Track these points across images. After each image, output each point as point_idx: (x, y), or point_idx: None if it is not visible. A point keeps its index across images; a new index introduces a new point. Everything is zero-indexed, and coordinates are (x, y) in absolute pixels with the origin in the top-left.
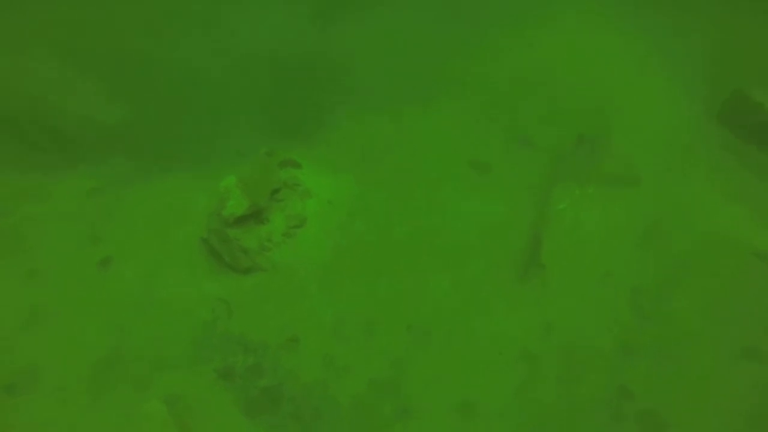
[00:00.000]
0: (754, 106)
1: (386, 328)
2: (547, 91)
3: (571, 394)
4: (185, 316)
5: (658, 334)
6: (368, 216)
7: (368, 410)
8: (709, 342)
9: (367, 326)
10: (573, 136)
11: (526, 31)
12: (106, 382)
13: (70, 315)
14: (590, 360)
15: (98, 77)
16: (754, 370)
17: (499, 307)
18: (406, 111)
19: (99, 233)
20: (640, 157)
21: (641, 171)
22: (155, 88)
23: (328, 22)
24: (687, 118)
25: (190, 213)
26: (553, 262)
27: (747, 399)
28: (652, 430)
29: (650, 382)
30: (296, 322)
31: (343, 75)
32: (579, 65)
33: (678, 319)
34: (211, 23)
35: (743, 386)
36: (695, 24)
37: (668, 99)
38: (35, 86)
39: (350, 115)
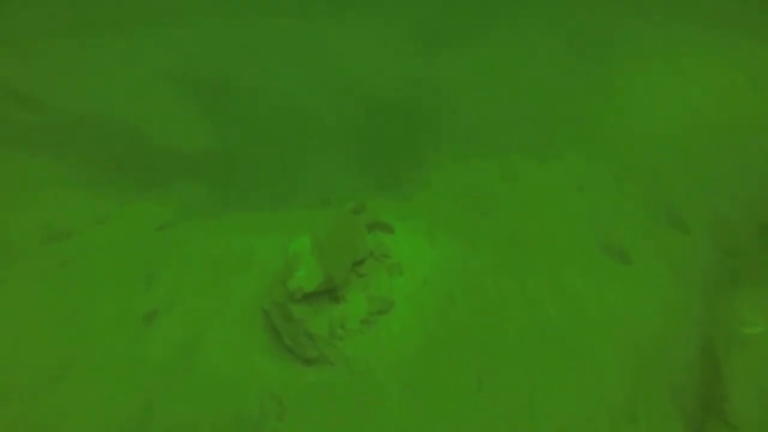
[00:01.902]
0: None
1: None
2: (700, 153)
3: None
4: (227, 404)
5: None
6: (473, 301)
7: None
8: None
9: None
10: (748, 216)
11: (665, 75)
12: None
13: (101, 375)
14: None
15: (192, 103)
16: None
17: None
18: (518, 163)
19: (154, 273)
20: None
21: None
22: (245, 118)
23: (433, 55)
24: None
25: (256, 264)
26: (750, 422)
27: None
28: None
29: None
30: None
31: (447, 115)
32: (739, 120)
33: None
34: (310, 53)
35: None
36: None
37: None
38: (132, 109)
39: (453, 163)
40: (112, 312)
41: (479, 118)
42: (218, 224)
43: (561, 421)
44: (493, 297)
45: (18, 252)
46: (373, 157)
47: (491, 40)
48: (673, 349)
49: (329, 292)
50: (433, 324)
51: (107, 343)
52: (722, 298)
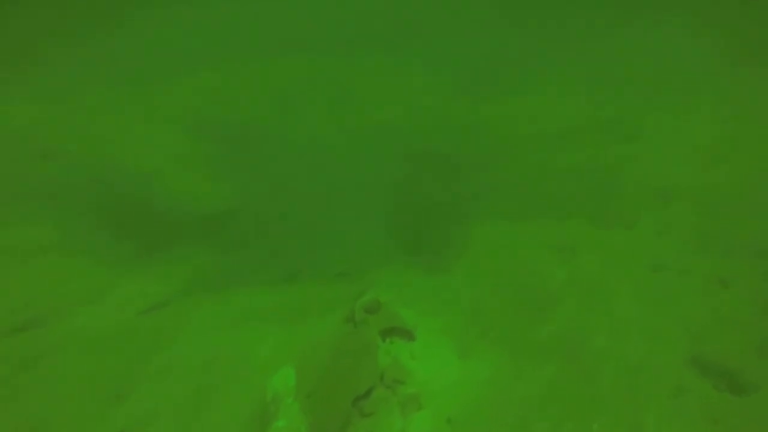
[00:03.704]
0: None
1: None
2: None
3: None
4: None
5: None
6: None
7: None
8: None
9: None
10: None
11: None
12: None
13: None
14: None
15: (211, 153)
16: None
17: None
18: (577, 230)
19: (131, 378)
20: None
21: None
22: (267, 171)
23: (479, 104)
24: None
25: (244, 382)
26: None
27: None
28: None
29: None
30: None
31: (493, 171)
32: None
33: None
34: (344, 96)
35: None
36: None
37: None
38: (146, 160)
39: (498, 228)
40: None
41: (530, 174)
42: (217, 304)
43: None
44: None
45: None
46: (406, 217)
47: (538, 89)
48: None
49: None
50: None
51: None
52: None
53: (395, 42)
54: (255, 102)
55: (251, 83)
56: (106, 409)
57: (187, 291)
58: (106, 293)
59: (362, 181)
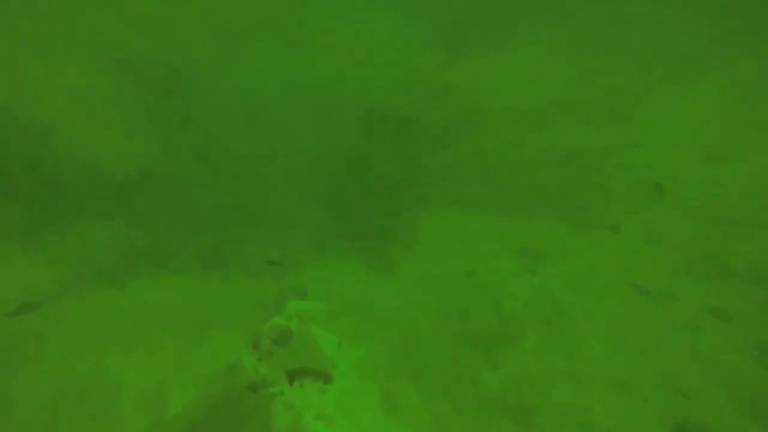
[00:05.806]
0: None
1: None
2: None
3: None
4: None
5: None
6: None
7: None
8: None
9: None
10: None
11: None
12: None
13: None
14: None
15: (130, 104)
16: None
17: None
18: (549, 233)
19: None
20: None
21: None
22: (195, 129)
23: (457, 65)
24: None
25: (122, 406)
26: None
27: None
28: None
29: None
30: None
31: (456, 148)
32: None
33: None
34: (296, 41)
35: None
36: None
37: None
38: (45, 108)
39: (451, 225)
40: None
41: (501, 156)
42: (106, 303)
43: None
44: None
45: None
46: (353, 194)
47: (523, 48)
48: None
49: None
50: None
51: None
52: None
53: None
54: (194, 39)
55: (192, 16)
56: None
57: (72, 283)
58: None
59: (307, 146)
